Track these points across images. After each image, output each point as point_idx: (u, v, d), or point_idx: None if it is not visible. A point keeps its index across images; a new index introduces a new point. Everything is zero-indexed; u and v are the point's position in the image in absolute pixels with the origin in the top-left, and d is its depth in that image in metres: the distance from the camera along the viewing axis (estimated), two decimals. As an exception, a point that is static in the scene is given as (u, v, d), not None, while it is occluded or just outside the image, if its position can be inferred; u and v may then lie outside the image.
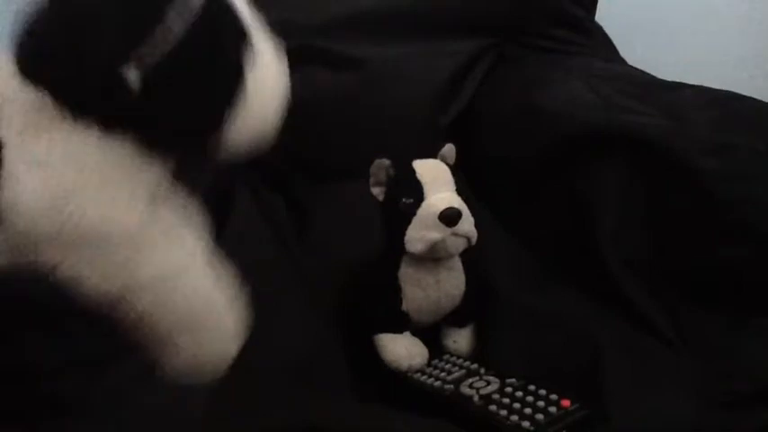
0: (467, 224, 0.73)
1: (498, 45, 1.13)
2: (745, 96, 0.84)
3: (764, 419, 0.66)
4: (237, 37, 0.53)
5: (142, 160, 0.51)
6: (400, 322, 0.77)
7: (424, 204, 0.73)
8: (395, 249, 0.75)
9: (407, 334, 0.77)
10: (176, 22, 0.49)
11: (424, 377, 0.73)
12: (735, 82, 0.86)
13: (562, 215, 0.90)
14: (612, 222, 0.84)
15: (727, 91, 0.85)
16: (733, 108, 0.83)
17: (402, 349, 0.75)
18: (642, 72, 1.00)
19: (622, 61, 1.11)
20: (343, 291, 0.83)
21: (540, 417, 0.64)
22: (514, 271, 0.87)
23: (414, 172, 0.75)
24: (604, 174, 0.87)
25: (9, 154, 0.48)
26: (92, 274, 0.49)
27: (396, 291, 0.77)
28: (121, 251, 0.49)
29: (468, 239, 0.73)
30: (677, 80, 0.92)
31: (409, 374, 0.74)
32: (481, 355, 0.78)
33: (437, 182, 0.74)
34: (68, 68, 0.49)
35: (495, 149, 1.03)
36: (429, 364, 0.75)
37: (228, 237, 0.87)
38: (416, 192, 0.73)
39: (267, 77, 0.55)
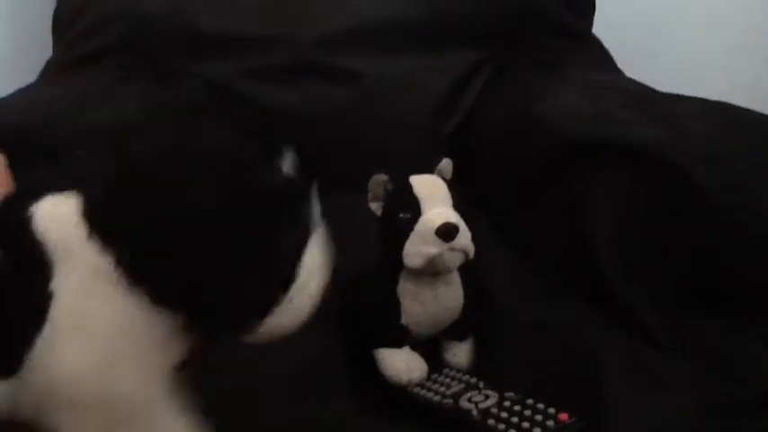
0: (464, 239, 0.73)
1: (497, 56, 1.14)
2: (742, 108, 0.84)
3: (765, 425, 0.67)
4: (301, 230, 0.54)
5: (179, 336, 0.50)
6: (399, 336, 0.77)
7: (421, 219, 0.73)
8: (393, 264, 0.76)
9: (407, 348, 0.77)
10: None
11: (424, 391, 0.73)
12: (732, 93, 0.87)
13: (561, 225, 0.90)
14: (611, 231, 0.84)
15: (724, 102, 0.85)
16: (730, 119, 0.84)
17: (401, 364, 0.75)
18: (639, 84, 1.00)
19: (620, 72, 1.12)
20: (342, 304, 0.83)
21: (537, 431, 0.65)
22: (514, 282, 0.88)
23: (410, 187, 0.75)
24: (602, 184, 0.87)
25: (56, 312, 0.46)
26: None
27: (394, 305, 0.77)
28: (127, 419, 0.48)
29: (466, 254, 0.74)
30: (674, 92, 0.92)
31: (409, 389, 0.74)
32: (481, 368, 0.78)
33: (434, 197, 0.74)
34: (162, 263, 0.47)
35: (494, 160, 1.04)
36: (428, 378, 0.76)
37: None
38: (413, 207, 0.74)
39: (315, 269, 0.54)
